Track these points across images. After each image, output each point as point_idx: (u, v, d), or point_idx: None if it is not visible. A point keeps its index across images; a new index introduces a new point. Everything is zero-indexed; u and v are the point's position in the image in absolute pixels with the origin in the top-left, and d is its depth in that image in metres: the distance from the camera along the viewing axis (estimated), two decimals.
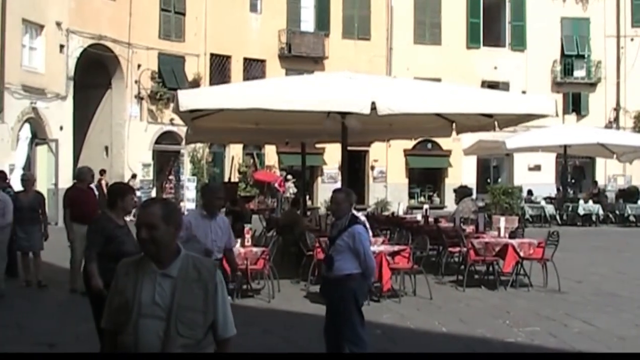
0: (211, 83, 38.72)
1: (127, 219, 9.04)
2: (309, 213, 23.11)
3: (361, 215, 11.10)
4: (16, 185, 18.83)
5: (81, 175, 15.63)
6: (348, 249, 9.14)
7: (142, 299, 4.62)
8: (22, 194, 15.89)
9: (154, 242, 4.62)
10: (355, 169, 40.04)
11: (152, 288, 4.64)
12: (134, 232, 5.06)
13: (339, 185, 25.09)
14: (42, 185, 27.64)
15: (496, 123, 18.26)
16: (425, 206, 26.09)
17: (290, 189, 38.63)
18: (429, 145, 45.36)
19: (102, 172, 31.70)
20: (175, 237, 4.75)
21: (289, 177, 39.78)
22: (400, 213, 25.55)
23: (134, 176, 33.58)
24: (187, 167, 39.44)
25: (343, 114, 16.15)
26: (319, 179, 43.85)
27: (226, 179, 36.85)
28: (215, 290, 4.71)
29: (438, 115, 18.96)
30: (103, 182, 29.42)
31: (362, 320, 9.38)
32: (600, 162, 46.53)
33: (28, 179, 16.46)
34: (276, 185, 38.88)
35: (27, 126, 30.45)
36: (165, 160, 39.85)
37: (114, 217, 8.82)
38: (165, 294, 4.62)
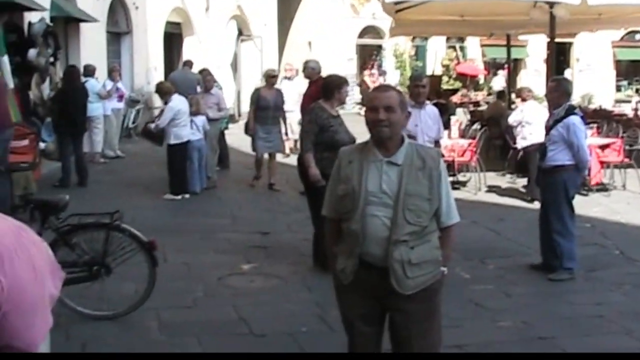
0: None
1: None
2: (513, 106, 22.65)
3: None
4: (222, 82, 19.07)
5: (305, 70, 14.90)
6: (562, 140, 9.02)
7: (368, 187, 4.69)
8: (265, 90, 15.15)
9: (390, 124, 4.66)
10: (559, 61, 38.75)
11: (378, 176, 4.70)
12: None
13: (543, 78, 24.43)
14: (250, 82, 28.33)
15: None
16: (635, 99, 25.09)
17: (495, 81, 38.08)
18: (638, 36, 43.31)
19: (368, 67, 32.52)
20: (405, 125, 4.81)
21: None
22: (608, 106, 24.72)
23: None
24: (389, 61, 39.39)
25: (551, 3, 15.61)
26: (522, 71, 42.86)
27: (429, 72, 36.54)
28: (439, 178, 4.74)
29: None
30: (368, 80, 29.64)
31: (572, 213, 9.27)
32: None
33: (271, 75, 15.54)
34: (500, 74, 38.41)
35: (232, 23, 31.06)
36: (367, 54, 39.91)
37: (328, 107, 9.01)
38: (392, 181, 4.67)
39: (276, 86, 15.22)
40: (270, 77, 15.28)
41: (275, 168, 15.47)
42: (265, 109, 14.77)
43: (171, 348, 6.78)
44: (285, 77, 18.30)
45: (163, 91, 14.19)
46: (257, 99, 14.92)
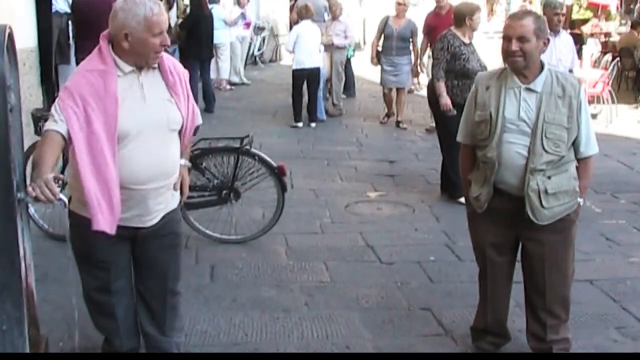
0: None
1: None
2: None
3: None
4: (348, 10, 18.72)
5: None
6: None
7: (506, 114, 4.60)
8: (394, 19, 14.00)
9: (524, 54, 4.54)
10: None
11: (516, 103, 4.61)
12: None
13: None
14: (375, 10, 28.00)
15: None
16: None
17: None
18: None
19: None
20: (542, 52, 4.65)
21: None
22: None
23: None
24: None
25: None
26: None
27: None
28: (579, 106, 4.61)
29: None
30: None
31: None
32: None
33: (401, 3, 13.96)
34: None
35: None
36: None
37: (460, 35, 8.85)
38: (530, 108, 4.58)
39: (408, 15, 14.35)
40: (397, 5, 14.02)
41: (403, 104, 14.40)
42: (388, 39, 13.92)
43: (300, 272, 6.85)
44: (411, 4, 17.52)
45: (297, 14, 14.33)
46: (383, 26, 14.06)
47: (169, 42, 4.23)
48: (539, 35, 4.58)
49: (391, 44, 13.90)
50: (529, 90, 4.60)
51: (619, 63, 16.69)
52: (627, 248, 7.70)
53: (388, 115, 14.52)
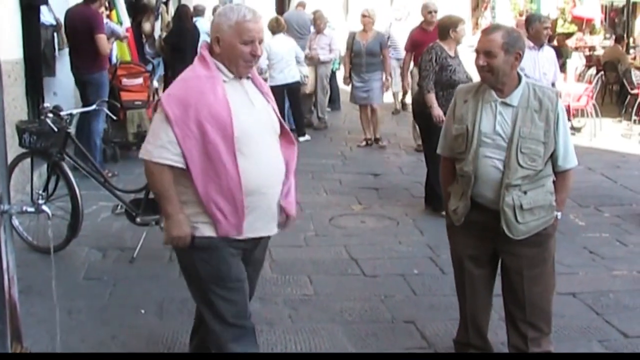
0: None
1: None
2: (632, 51, 22.00)
3: None
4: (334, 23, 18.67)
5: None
6: None
7: (482, 128, 4.63)
8: (361, 34, 13.57)
9: (490, 70, 4.57)
10: None
11: (492, 117, 4.63)
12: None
13: None
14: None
15: None
16: None
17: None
18: None
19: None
20: (515, 66, 4.65)
21: None
22: None
23: None
24: (502, 2, 38.59)
25: None
26: None
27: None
28: (557, 120, 4.62)
29: None
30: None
31: None
32: None
33: (366, 15, 13.50)
34: None
35: None
36: None
37: (446, 47, 8.90)
38: (506, 123, 4.60)
39: (384, 29, 13.99)
40: (362, 17, 13.52)
41: (378, 123, 13.85)
42: (357, 55, 13.39)
43: (283, 285, 6.85)
44: (395, 19, 17.20)
45: (269, 29, 13.83)
46: (351, 43, 13.55)
47: (260, 52, 4.20)
48: (508, 49, 4.58)
49: (360, 60, 13.41)
50: (505, 104, 4.63)
51: (603, 77, 16.79)
52: (611, 261, 7.72)
53: (367, 141, 13.73)
